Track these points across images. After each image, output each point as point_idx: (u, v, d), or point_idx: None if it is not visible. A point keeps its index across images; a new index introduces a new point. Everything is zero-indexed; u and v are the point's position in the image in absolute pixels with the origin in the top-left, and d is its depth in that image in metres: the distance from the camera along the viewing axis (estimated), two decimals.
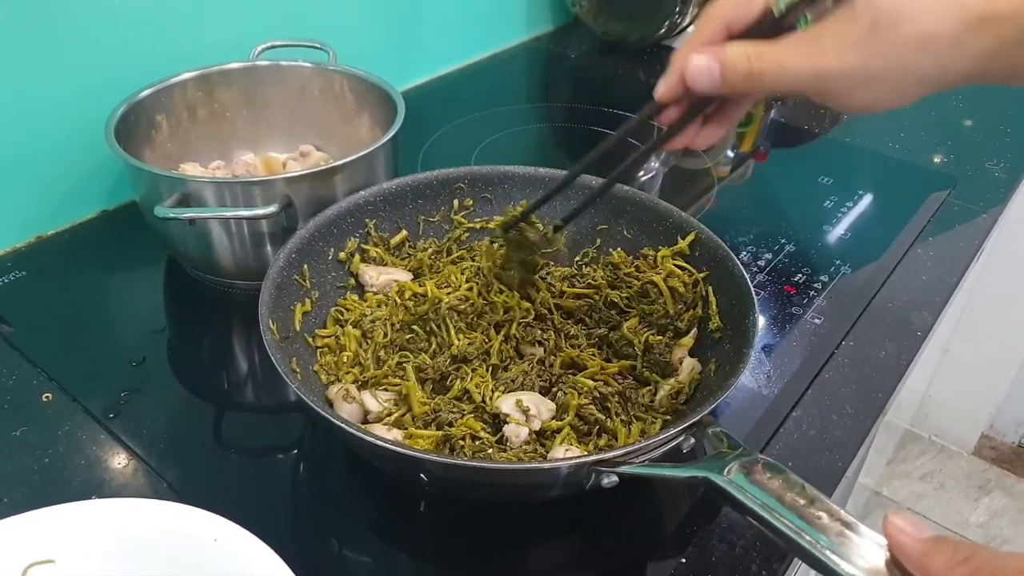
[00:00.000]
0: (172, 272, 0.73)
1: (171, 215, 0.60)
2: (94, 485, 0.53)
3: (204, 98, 0.78)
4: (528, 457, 0.51)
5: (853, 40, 0.39)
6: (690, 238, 0.62)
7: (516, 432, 0.52)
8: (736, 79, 0.42)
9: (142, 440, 0.56)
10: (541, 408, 0.53)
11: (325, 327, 0.61)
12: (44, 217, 0.76)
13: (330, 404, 0.55)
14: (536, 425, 0.53)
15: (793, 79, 0.41)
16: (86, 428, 0.57)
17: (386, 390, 0.56)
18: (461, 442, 0.51)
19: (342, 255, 0.64)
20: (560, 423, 0.53)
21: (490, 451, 0.51)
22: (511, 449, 0.51)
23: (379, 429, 0.52)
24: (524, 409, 0.53)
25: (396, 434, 0.52)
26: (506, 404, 0.53)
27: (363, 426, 0.53)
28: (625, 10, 1.17)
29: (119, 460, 0.55)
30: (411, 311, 0.60)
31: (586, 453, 0.51)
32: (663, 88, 0.47)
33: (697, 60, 0.43)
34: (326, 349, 0.59)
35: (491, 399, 0.54)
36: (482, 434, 0.51)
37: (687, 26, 1.17)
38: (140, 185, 0.66)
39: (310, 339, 0.58)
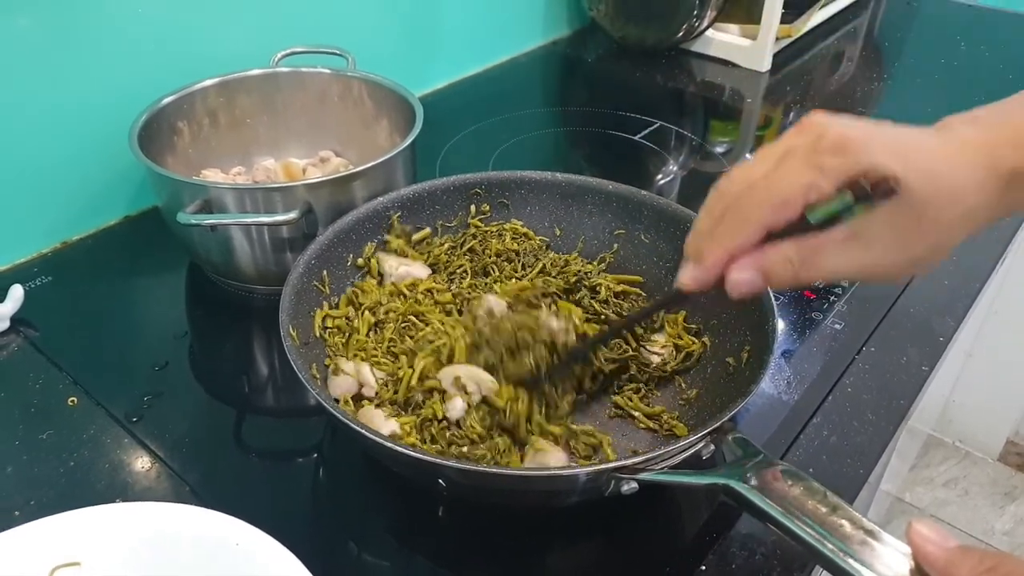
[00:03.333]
0: (194, 277, 0.74)
1: (193, 221, 0.61)
2: (118, 488, 0.53)
3: (225, 104, 0.79)
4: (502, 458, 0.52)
5: (901, 238, 0.38)
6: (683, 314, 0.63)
7: (453, 407, 0.54)
8: (780, 285, 0.41)
9: (165, 444, 0.57)
10: (481, 383, 0.55)
11: (339, 307, 0.62)
12: (69, 223, 0.77)
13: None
14: (476, 399, 0.54)
15: (840, 274, 0.40)
16: (110, 432, 0.58)
17: (380, 369, 0.57)
18: (431, 425, 0.53)
19: (360, 261, 0.64)
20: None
21: (464, 448, 0.53)
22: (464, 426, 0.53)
23: (377, 418, 0.53)
24: (461, 386, 0.54)
25: (392, 425, 0.53)
26: (447, 382, 0.55)
27: (358, 411, 0.55)
28: (642, 14, 1.17)
29: (142, 463, 0.55)
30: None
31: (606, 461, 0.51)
32: (690, 282, 0.43)
33: (739, 275, 0.41)
34: (336, 330, 0.59)
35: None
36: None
37: (705, 29, 1.17)
38: (162, 191, 0.67)
39: (325, 335, 0.59)
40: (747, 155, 0.99)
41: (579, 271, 0.66)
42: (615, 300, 0.64)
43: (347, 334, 0.60)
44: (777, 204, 0.38)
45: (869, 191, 0.38)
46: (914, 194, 0.37)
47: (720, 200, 0.41)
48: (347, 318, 0.61)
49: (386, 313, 0.61)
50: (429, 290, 0.64)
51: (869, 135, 0.37)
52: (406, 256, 0.66)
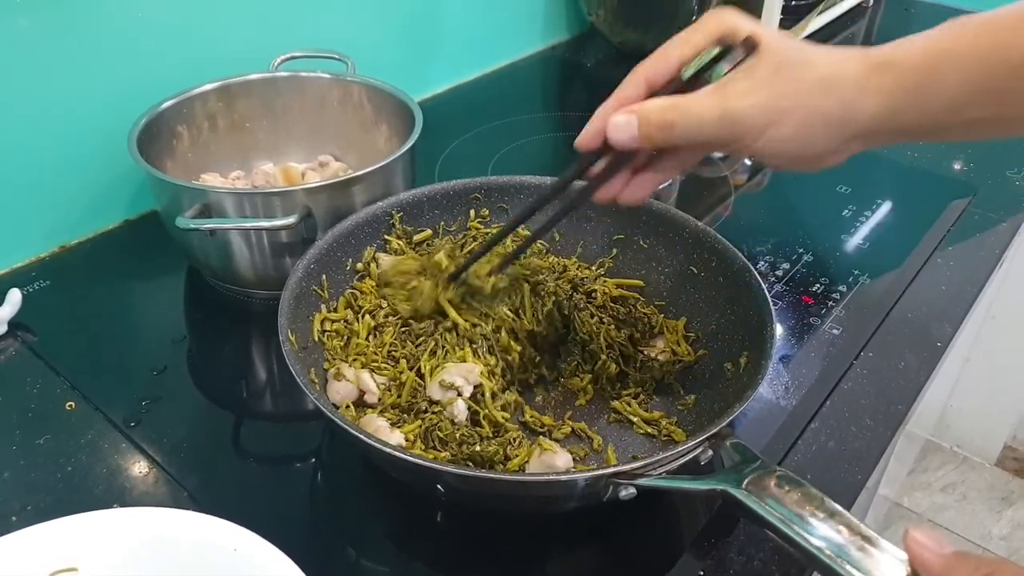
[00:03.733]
0: (192, 281, 0.74)
1: (192, 226, 0.61)
2: (116, 493, 0.53)
3: (224, 109, 0.79)
4: (520, 452, 0.52)
5: (758, 82, 0.42)
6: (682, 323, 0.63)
7: (456, 410, 0.54)
8: (651, 130, 0.44)
9: (163, 449, 0.57)
10: (468, 376, 0.55)
11: (336, 311, 0.62)
12: (67, 227, 0.77)
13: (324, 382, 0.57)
14: (468, 392, 0.55)
15: (703, 124, 0.43)
16: (108, 437, 0.57)
17: (380, 375, 0.57)
18: (438, 432, 0.53)
19: (359, 265, 0.64)
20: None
21: (476, 447, 0.53)
22: (463, 428, 0.54)
23: (383, 428, 0.53)
24: (449, 385, 0.55)
25: (398, 436, 0.53)
26: (435, 391, 0.55)
27: (361, 417, 0.55)
28: (641, 19, 1.17)
29: (140, 468, 0.55)
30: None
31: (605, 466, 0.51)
32: (583, 138, 0.48)
33: (616, 116, 0.45)
34: (334, 333, 0.59)
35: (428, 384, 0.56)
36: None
37: None
38: (162, 195, 0.67)
39: (323, 338, 0.59)
40: (746, 160, 0.99)
41: (575, 276, 0.66)
42: (612, 304, 0.64)
43: (346, 337, 0.60)
44: (657, 56, 0.46)
45: (733, 47, 0.44)
46: (769, 50, 0.43)
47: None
48: (345, 321, 0.61)
49: (386, 316, 0.61)
50: None
51: (739, 15, 0.45)
52: (405, 256, 0.66)
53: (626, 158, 0.49)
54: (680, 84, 0.46)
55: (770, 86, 0.42)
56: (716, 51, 0.45)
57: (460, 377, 0.55)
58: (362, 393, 0.56)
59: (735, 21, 0.45)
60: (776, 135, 0.42)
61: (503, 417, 0.55)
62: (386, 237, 0.66)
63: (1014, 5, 0.41)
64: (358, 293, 0.63)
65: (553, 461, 0.52)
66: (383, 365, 0.58)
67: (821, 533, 0.39)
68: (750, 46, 0.44)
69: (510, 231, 0.58)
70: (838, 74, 0.42)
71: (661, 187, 0.91)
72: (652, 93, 0.46)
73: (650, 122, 0.44)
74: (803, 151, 0.43)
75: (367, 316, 0.61)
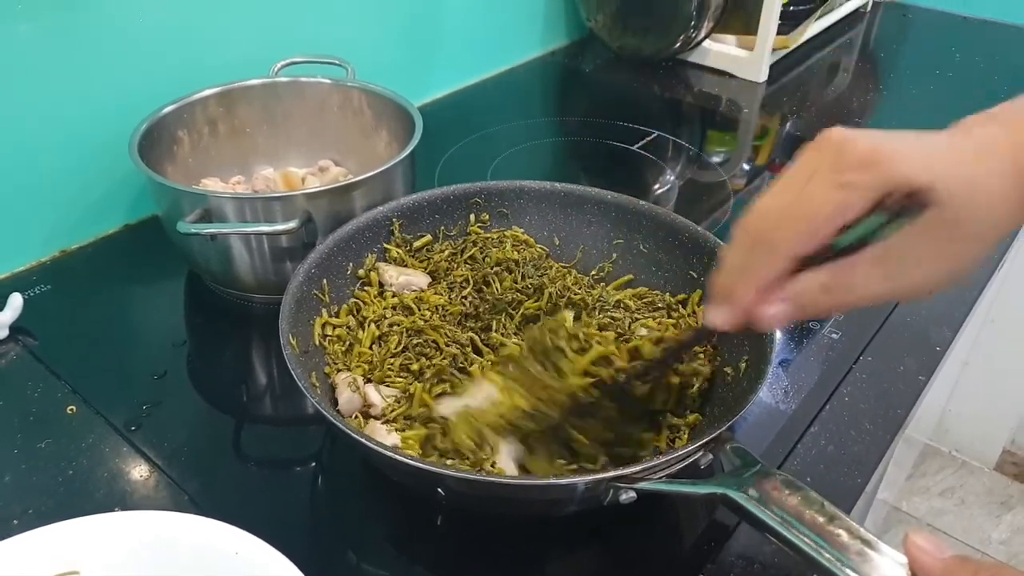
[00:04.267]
0: (193, 286, 0.74)
1: (193, 231, 0.61)
2: (117, 497, 0.53)
3: (225, 114, 0.79)
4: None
5: (938, 252, 0.36)
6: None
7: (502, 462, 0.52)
8: (815, 314, 0.39)
9: (163, 452, 0.57)
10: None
11: (339, 316, 0.62)
12: (68, 231, 0.77)
13: (333, 388, 0.56)
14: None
15: (877, 296, 0.37)
16: (109, 440, 0.58)
17: (389, 386, 0.57)
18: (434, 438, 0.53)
19: (360, 272, 0.64)
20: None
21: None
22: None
23: (380, 431, 0.53)
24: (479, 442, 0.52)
25: (395, 438, 0.53)
26: (446, 408, 0.54)
27: (363, 424, 0.55)
28: (640, 24, 1.18)
29: (141, 472, 0.55)
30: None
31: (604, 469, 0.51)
32: (723, 323, 0.41)
33: (773, 310, 0.38)
34: (336, 339, 0.59)
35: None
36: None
37: (702, 40, 1.18)
38: (162, 200, 0.68)
39: (325, 343, 0.59)
40: (744, 164, 0.99)
41: (587, 296, 0.64)
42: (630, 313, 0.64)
43: (347, 343, 0.60)
44: (807, 231, 0.36)
45: (899, 207, 0.36)
46: (947, 206, 0.35)
47: (747, 234, 0.39)
48: (348, 327, 0.61)
49: (390, 326, 0.61)
50: (437, 306, 0.63)
51: (893, 147, 0.35)
52: (406, 265, 0.66)
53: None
54: (830, 250, 0.37)
55: (953, 255, 0.36)
56: (882, 219, 0.36)
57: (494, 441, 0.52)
58: (369, 405, 0.56)
59: (898, 171, 0.35)
60: (941, 288, 0.37)
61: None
62: (385, 245, 0.66)
63: None
64: (361, 303, 0.63)
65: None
66: (396, 379, 0.58)
67: (821, 537, 0.39)
68: (918, 205, 0.35)
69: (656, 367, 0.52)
70: (1009, 211, 0.36)
71: (661, 191, 0.92)
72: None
73: (815, 309, 0.38)
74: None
75: (372, 325, 0.61)
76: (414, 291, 0.64)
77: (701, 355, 0.59)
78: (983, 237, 0.36)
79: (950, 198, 0.35)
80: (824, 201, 0.36)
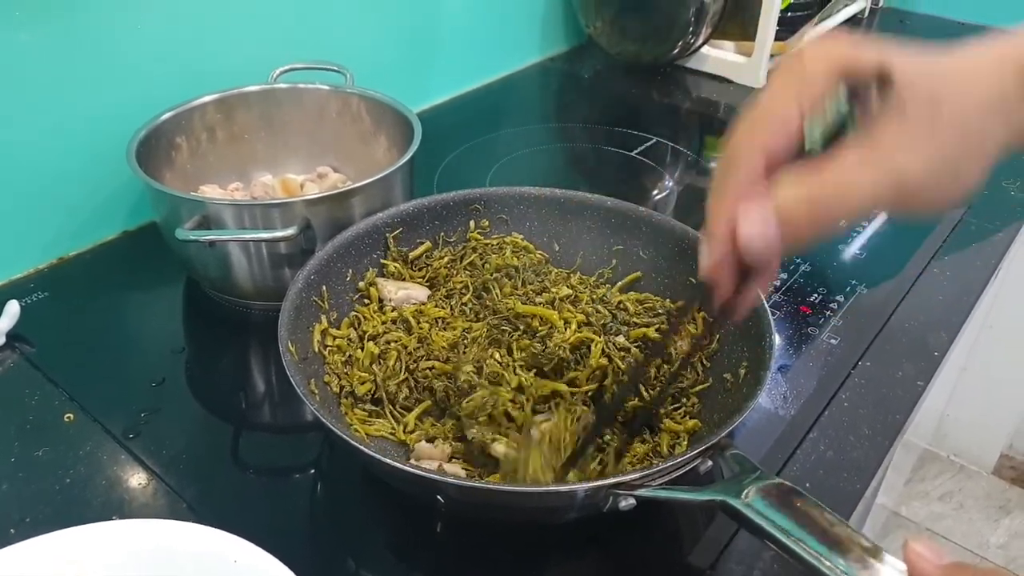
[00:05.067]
0: (191, 292, 0.74)
1: (192, 237, 0.61)
2: (115, 505, 0.53)
3: (223, 120, 0.79)
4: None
5: (912, 128, 0.33)
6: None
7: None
8: (799, 227, 0.34)
9: (161, 460, 0.57)
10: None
11: (340, 328, 0.62)
12: (66, 238, 0.77)
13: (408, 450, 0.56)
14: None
15: (868, 196, 0.34)
16: (107, 448, 0.57)
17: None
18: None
19: (361, 284, 0.64)
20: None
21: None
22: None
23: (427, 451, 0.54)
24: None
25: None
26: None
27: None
28: (638, 30, 1.18)
29: (139, 480, 0.55)
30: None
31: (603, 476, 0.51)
32: (709, 262, 0.37)
33: (750, 227, 0.34)
34: (336, 349, 0.59)
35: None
36: None
37: (700, 46, 1.18)
38: (161, 207, 0.67)
39: (324, 352, 0.59)
40: None
41: (591, 296, 0.65)
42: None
43: (347, 354, 0.60)
44: (769, 122, 0.34)
45: (862, 92, 0.34)
46: (912, 81, 0.33)
47: (723, 157, 0.36)
48: (348, 339, 0.61)
49: (387, 343, 0.60)
50: (437, 318, 0.63)
51: (851, 40, 0.34)
52: (404, 279, 0.66)
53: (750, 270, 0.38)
54: (803, 151, 0.35)
55: (931, 130, 0.33)
56: (845, 101, 0.34)
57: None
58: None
59: (850, 51, 0.34)
60: (954, 186, 0.34)
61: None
62: (382, 261, 0.66)
63: None
64: (361, 317, 0.63)
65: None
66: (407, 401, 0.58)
67: (820, 544, 0.39)
68: (882, 81, 0.34)
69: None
70: (996, 92, 0.34)
71: (659, 196, 0.92)
72: (770, 168, 0.35)
73: (797, 216, 0.34)
74: (972, 189, 0.35)
75: (370, 342, 0.60)
76: (413, 304, 0.64)
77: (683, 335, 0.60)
78: (970, 116, 0.34)
79: (917, 75, 0.33)
80: (783, 89, 0.35)
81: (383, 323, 0.62)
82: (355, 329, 0.62)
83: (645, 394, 0.58)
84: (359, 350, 0.60)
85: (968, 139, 0.34)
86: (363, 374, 0.58)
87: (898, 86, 0.33)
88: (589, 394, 0.58)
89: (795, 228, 0.34)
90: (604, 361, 0.59)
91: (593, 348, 0.60)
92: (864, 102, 0.34)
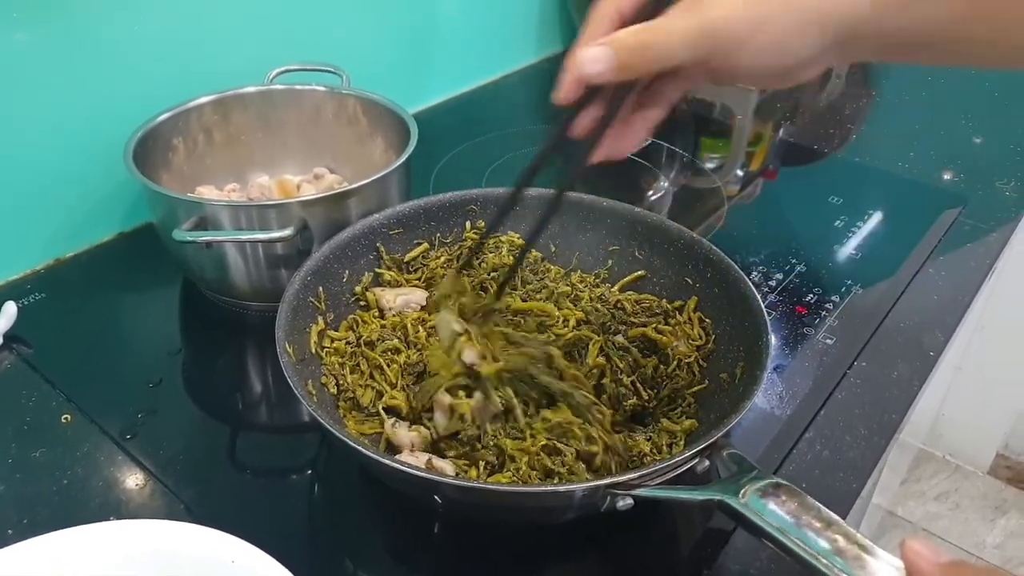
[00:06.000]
0: (187, 293, 0.74)
1: (189, 238, 0.61)
2: (112, 506, 0.53)
3: (220, 121, 0.79)
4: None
5: None
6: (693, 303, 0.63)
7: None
8: (627, 56, 0.41)
9: (159, 461, 0.56)
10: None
11: (338, 330, 0.61)
12: (63, 239, 0.77)
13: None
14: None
15: (683, 42, 0.40)
16: (104, 449, 0.57)
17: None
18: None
19: (358, 288, 0.64)
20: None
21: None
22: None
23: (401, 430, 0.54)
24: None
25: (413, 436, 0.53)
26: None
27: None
28: None
29: (136, 481, 0.55)
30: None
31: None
32: (562, 90, 0.45)
33: (587, 49, 0.42)
34: (334, 351, 0.59)
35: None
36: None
37: None
38: (158, 208, 0.67)
39: (321, 352, 0.59)
40: (737, 171, 1.00)
41: (599, 302, 0.65)
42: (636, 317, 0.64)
43: (344, 357, 0.59)
44: None
45: None
46: None
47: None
48: (347, 341, 0.61)
49: (384, 352, 0.60)
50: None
51: None
52: (400, 285, 0.66)
53: (612, 106, 0.45)
54: (650, 10, 0.42)
55: None
56: None
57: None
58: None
59: None
60: (763, 41, 0.39)
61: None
62: (377, 271, 0.66)
63: None
64: (359, 321, 0.63)
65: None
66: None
67: (818, 543, 0.39)
68: None
69: (502, 217, 0.56)
70: None
71: (655, 197, 0.92)
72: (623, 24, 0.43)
73: (624, 47, 0.41)
74: (783, 60, 0.40)
75: (367, 348, 0.60)
76: (413, 309, 0.64)
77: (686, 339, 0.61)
78: None
79: None
80: None
81: (381, 326, 0.62)
82: (353, 332, 0.62)
83: (644, 393, 0.58)
84: (361, 358, 0.60)
85: (785, 2, 0.39)
86: (365, 386, 0.58)
87: None
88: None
89: (623, 53, 0.42)
90: (602, 360, 0.59)
91: (591, 347, 0.60)
92: None
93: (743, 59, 0.40)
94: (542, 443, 0.51)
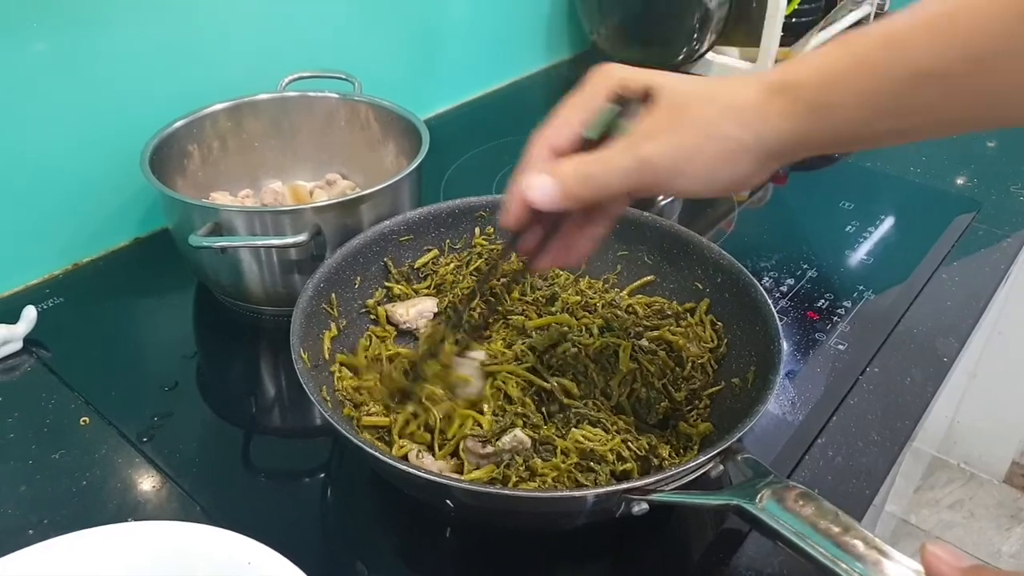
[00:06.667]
0: (202, 298, 0.75)
1: (205, 244, 0.62)
2: (130, 507, 0.54)
3: (234, 128, 0.80)
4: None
5: (662, 125, 0.43)
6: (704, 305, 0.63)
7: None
8: (571, 185, 0.44)
9: (175, 464, 0.57)
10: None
11: (354, 352, 0.61)
12: (80, 245, 0.78)
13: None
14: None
15: (620, 174, 0.43)
16: (122, 452, 0.58)
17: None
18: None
19: (370, 302, 0.65)
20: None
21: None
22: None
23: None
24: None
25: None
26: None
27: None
28: (643, 37, 1.19)
29: (153, 483, 0.56)
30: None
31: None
32: (508, 217, 0.48)
33: (532, 178, 0.45)
34: (346, 373, 0.59)
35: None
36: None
37: (705, 52, 1.19)
38: (173, 214, 0.68)
39: (335, 367, 0.59)
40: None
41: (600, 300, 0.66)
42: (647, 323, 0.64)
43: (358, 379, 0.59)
44: (555, 123, 0.47)
45: (632, 103, 0.45)
46: (666, 92, 0.44)
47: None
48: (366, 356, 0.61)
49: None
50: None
51: (632, 68, 0.46)
52: (411, 296, 0.66)
53: (555, 226, 0.49)
54: (585, 146, 0.46)
55: (675, 127, 0.43)
56: (615, 108, 0.46)
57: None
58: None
59: (624, 74, 0.45)
60: (693, 172, 0.42)
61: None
62: (386, 284, 0.66)
63: (905, 14, 0.39)
64: (374, 337, 0.63)
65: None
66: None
67: (837, 547, 0.39)
68: (647, 95, 0.44)
69: (458, 320, 0.60)
70: (738, 103, 0.42)
71: (665, 202, 0.92)
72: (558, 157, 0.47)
73: (567, 177, 0.44)
74: (716, 184, 0.43)
75: (382, 363, 0.60)
76: (427, 318, 0.64)
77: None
78: (712, 118, 0.42)
79: (670, 88, 0.44)
80: (570, 103, 0.47)
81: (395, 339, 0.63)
82: (365, 356, 0.61)
83: (676, 396, 0.58)
84: (376, 376, 0.59)
85: (710, 137, 0.42)
86: (378, 414, 0.58)
87: (655, 97, 0.44)
88: (621, 398, 0.58)
89: (567, 181, 0.45)
90: (633, 365, 0.59)
91: (620, 353, 0.59)
92: (633, 112, 0.45)
93: (679, 186, 0.44)
94: (574, 462, 0.52)
